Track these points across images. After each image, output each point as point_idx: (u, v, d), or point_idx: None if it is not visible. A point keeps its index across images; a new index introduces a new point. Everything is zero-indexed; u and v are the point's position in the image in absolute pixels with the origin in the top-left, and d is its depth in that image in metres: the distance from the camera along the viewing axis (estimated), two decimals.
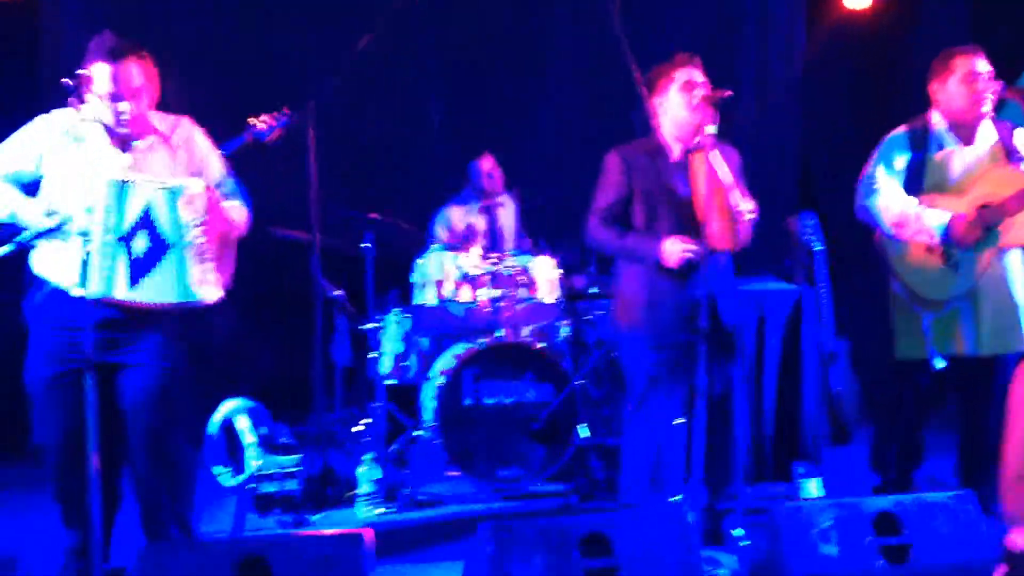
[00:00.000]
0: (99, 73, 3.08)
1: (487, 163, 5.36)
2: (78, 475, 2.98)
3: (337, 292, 4.88)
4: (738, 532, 3.71)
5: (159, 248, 3.05)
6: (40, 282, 3.19)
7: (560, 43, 5.89)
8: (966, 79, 3.69)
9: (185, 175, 3.23)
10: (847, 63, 6.07)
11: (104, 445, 3.16)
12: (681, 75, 3.60)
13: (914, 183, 3.78)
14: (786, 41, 5.98)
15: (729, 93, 3.34)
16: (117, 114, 3.07)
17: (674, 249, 3.49)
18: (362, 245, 4.66)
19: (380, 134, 5.69)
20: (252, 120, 4.43)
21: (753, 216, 3.54)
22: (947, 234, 3.68)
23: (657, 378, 3.64)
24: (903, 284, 3.82)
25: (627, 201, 3.65)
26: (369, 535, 2.88)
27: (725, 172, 3.50)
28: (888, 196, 3.78)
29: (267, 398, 4.67)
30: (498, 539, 2.87)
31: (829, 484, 4.30)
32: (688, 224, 3.54)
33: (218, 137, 4.34)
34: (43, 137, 3.16)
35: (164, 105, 4.51)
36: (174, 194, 3.06)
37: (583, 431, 4.39)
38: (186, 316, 3.28)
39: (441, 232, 5.36)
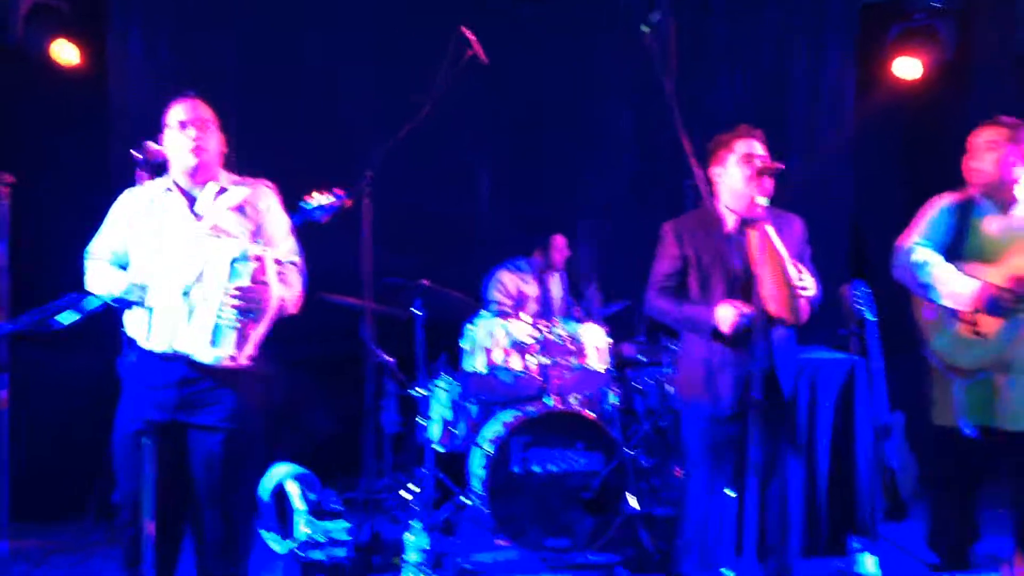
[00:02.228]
0: (172, 112, 3.28)
1: (561, 240, 5.45)
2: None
3: (388, 358, 4.92)
4: None
5: (204, 299, 3.12)
6: (131, 342, 3.28)
7: (611, 111, 5.95)
8: (987, 149, 3.70)
9: (251, 235, 3.31)
10: (899, 130, 6.04)
11: (175, 503, 3.25)
12: (741, 146, 3.62)
13: (955, 251, 3.75)
14: (836, 107, 5.97)
15: (782, 166, 3.34)
16: (187, 143, 3.22)
17: (727, 314, 3.49)
18: (412, 311, 4.71)
19: (431, 201, 5.78)
20: (307, 199, 4.54)
21: (811, 293, 3.52)
22: (975, 301, 3.63)
23: (713, 449, 3.62)
24: (934, 352, 3.77)
25: (683, 272, 3.66)
26: None
27: (781, 246, 3.50)
28: (924, 257, 3.75)
29: (318, 463, 4.70)
30: None
31: (886, 561, 4.19)
32: (742, 295, 3.54)
33: None
34: (129, 212, 3.30)
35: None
36: (230, 251, 3.13)
37: (633, 501, 4.34)
38: (264, 379, 3.34)
39: (497, 295, 5.39)
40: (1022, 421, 3.62)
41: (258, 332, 3.21)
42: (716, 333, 3.53)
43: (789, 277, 3.46)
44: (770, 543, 3.61)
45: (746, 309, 3.46)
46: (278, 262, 3.26)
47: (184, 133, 3.25)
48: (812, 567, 4.22)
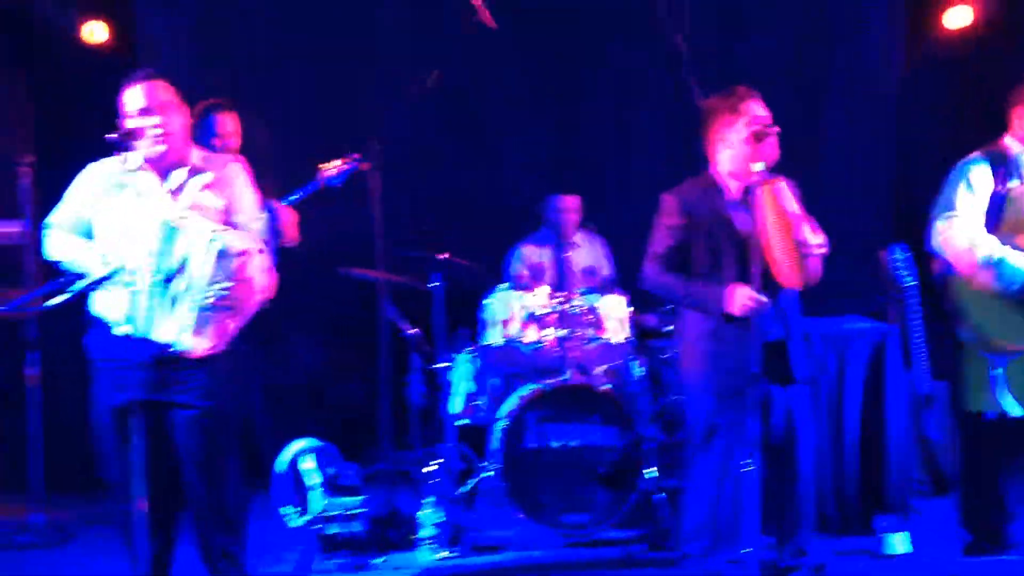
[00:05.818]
0: (130, 96, 3.20)
1: (568, 201, 5.28)
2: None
3: (413, 331, 4.87)
4: None
5: (186, 290, 3.10)
6: (97, 320, 3.30)
7: (638, 78, 5.75)
8: None
9: (222, 213, 3.29)
10: (947, 84, 5.69)
11: (164, 481, 3.28)
12: (740, 108, 3.44)
13: (992, 216, 3.50)
14: (882, 58, 5.65)
15: (777, 130, 3.17)
16: (150, 131, 3.17)
17: (741, 298, 3.33)
18: (430, 284, 4.66)
19: (453, 172, 5.69)
20: (322, 166, 4.49)
21: (823, 251, 3.36)
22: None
23: (719, 425, 3.48)
24: (971, 326, 3.54)
25: (685, 244, 3.50)
26: None
27: (793, 205, 3.35)
28: (969, 226, 3.51)
29: (347, 436, 4.69)
30: None
31: (919, 538, 4.00)
32: (753, 261, 3.38)
33: (289, 183, 4.45)
34: (92, 186, 3.29)
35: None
36: (214, 243, 3.10)
37: (651, 476, 4.22)
38: (238, 357, 3.34)
39: (520, 270, 5.30)
40: None
41: (236, 325, 3.19)
42: (727, 315, 3.38)
43: (801, 236, 3.30)
44: (779, 524, 3.47)
45: (760, 296, 3.30)
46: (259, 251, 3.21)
47: (147, 121, 3.18)
48: (839, 546, 4.03)
